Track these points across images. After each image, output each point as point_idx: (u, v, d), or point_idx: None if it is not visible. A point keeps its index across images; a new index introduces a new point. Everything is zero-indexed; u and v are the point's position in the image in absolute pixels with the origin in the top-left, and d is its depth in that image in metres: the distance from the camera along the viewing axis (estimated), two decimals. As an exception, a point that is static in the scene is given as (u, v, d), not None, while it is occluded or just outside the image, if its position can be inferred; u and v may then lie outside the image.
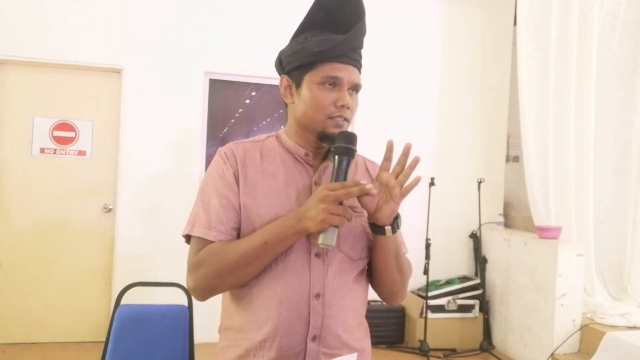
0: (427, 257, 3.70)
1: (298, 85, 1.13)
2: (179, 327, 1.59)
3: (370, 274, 1.22)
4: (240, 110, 3.98)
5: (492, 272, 3.93)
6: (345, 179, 1.05)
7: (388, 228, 1.09)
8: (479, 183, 3.94)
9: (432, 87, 4.16)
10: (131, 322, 1.48)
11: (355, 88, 1.13)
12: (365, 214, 1.14)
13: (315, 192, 1.04)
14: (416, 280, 3.94)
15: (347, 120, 1.12)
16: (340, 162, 1.06)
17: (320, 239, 1.01)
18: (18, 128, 3.52)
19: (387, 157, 1.09)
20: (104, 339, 1.44)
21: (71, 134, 3.60)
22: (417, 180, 1.07)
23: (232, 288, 1.12)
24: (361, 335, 1.19)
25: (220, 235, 1.09)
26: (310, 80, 1.10)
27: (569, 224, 3.58)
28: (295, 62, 1.12)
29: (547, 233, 3.44)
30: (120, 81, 3.62)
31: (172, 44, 3.66)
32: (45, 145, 3.56)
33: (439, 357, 3.58)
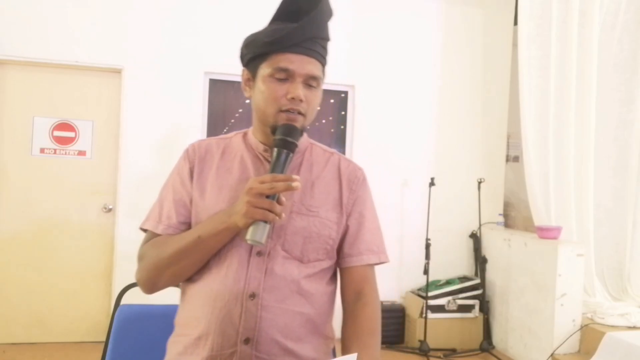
0: (427, 257, 3.71)
1: (254, 77, 1.10)
2: (179, 327, 1.58)
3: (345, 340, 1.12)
4: (240, 110, 3.98)
5: (492, 272, 3.93)
6: (282, 172, 1.00)
7: None
8: (479, 183, 3.94)
9: (432, 87, 4.16)
10: (131, 322, 1.48)
11: (311, 80, 1.07)
12: (322, 214, 1.11)
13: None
14: (416, 280, 3.95)
15: (301, 113, 1.06)
16: (278, 155, 1.01)
17: (248, 234, 0.96)
18: (18, 128, 3.52)
19: None
20: (104, 339, 1.44)
21: (71, 134, 3.60)
22: None
23: (173, 282, 1.10)
24: (317, 345, 1.11)
25: (168, 229, 1.09)
26: (262, 72, 1.07)
27: (569, 224, 3.58)
28: (249, 54, 1.10)
29: (547, 233, 3.44)
30: (120, 81, 3.62)
31: (172, 44, 3.66)
32: (45, 145, 3.56)
33: (439, 357, 3.58)
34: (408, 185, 4.07)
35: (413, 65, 4.11)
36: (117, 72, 3.61)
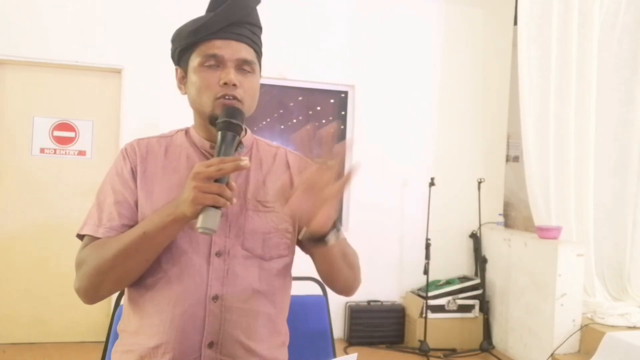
0: (427, 257, 3.70)
1: (186, 72, 1.08)
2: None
3: (321, 276, 1.15)
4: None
5: (492, 272, 3.93)
6: (229, 155, 0.95)
7: (329, 237, 0.95)
8: (479, 183, 3.94)
9: (432, 87, 4.16)
10: (131, 322, 1.48)
11: (244, 65, 1.04)
12: (278, 209, 1.08)
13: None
14: (416, 280, 3.95)
15: (237, 99, 1.02)
16: (223, 137, 0.96)
17: (199, 222, 0.88)
18: (18, 128, 3.52)
19: (317, 154, 0.92)
20: (104, 339, 1.44)
21: (71, 134, 3.60)
22: (352, 171, 0.89)
23: (117, 287, 1.03)
24: (276, 343, 1.10)
25: (110, 232, 1.02)
26: (192, 63, 1.04)
27: (569, 224, 3.58)
28: (177, 48, 1.08)
29: (547, 233, 3.44)
30: (120, 81, 3.62)
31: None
32: (45, 145, 3.56)
33: (439, 357, 3.58)
34: (408, 185, 4.07)
35: (413, 65, 4.10)
36: (117, 72, 3.61)
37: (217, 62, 1.02)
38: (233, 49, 1.03)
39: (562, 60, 3.61)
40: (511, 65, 4.25)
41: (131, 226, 1.02)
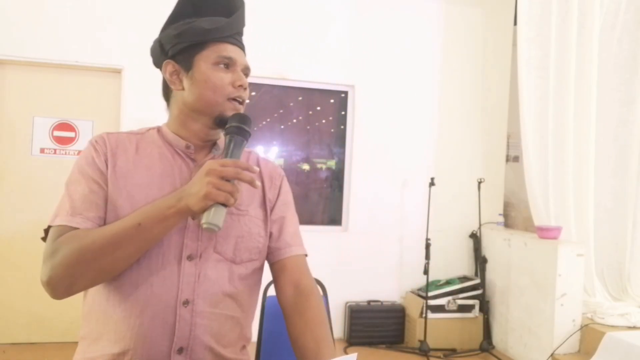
0: (427, 257, 3.70)
1: (188, 68, 1.06)
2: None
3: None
4: (240, 110, 3.98)
5: (492, 272, 3.93)
6: (237, 158, 0.98)
7: None
8: (479, 183, 3.94)
9: (432, 87, 4.16)
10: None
11: (246, 71, 1.12)
12: (251, 212, 1.09)
13: (202, 168, 0.92)
14: (416, 280, 3.95)
15: (243, 102, 1.10)
16: (230, 141, 0.99)
17: (205, 218, 0.88)
18: (18, 128, 3.52)
19: None
20: (103, 339, 1.45)
21: (71, 134, 3.60)
22: None
23: (97, 280, 0.97)
24: (240, 347, 1.10)
25: (86, 222, 0.97)
26: (203, 61, 1.06)
27: (568, 224, 3.58)
28: (184, 43, 1.06)
29: (547, 233, 3.44)
30: (120, 81, 3.62)
31: (172, 44, 3.65)
32: (45, 145, 3.56)
33: (439, 357, 3.58)
34: (408, 185, 4.07)
35: (413, 65, 4.11)
36: (117, 72, 3.61)
37: (229, 64, 1.08)
38: (240, 55, 1.11)
39: (562, 60, 3.61)
40: (511, 65, 4.25)
41: (103, 218, 1.00)
